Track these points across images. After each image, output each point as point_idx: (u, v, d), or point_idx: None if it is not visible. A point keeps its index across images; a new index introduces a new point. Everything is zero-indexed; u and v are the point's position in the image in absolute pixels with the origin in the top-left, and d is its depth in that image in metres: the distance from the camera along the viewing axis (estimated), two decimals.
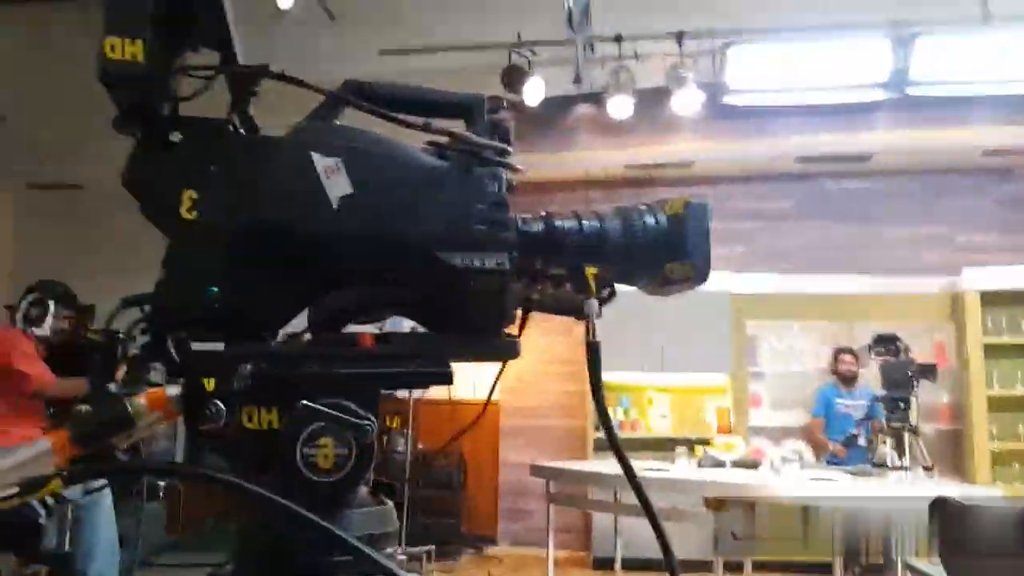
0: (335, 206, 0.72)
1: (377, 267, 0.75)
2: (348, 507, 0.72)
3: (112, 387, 0.71)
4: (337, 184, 0.72)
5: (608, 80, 5.68)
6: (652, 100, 5.80)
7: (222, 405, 0.69)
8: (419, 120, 0.75)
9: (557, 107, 6.13)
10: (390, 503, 0.77)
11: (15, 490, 0.60)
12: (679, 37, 5.45)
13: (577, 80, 5.67)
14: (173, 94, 0.74)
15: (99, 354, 4.10)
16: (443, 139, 0.76)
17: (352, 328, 0.81)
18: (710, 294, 0.82)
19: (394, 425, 6.22)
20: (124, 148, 0.75)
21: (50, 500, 0.67)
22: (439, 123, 0.77)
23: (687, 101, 5.70)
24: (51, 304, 4.02)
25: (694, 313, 5.87)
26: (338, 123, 0.77)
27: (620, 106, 5.75)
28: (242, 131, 0.78)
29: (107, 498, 3.94)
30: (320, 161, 0.72)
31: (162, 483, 5.02)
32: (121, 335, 0.76)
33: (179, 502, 6.22)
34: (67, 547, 3.71)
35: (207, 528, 6.01)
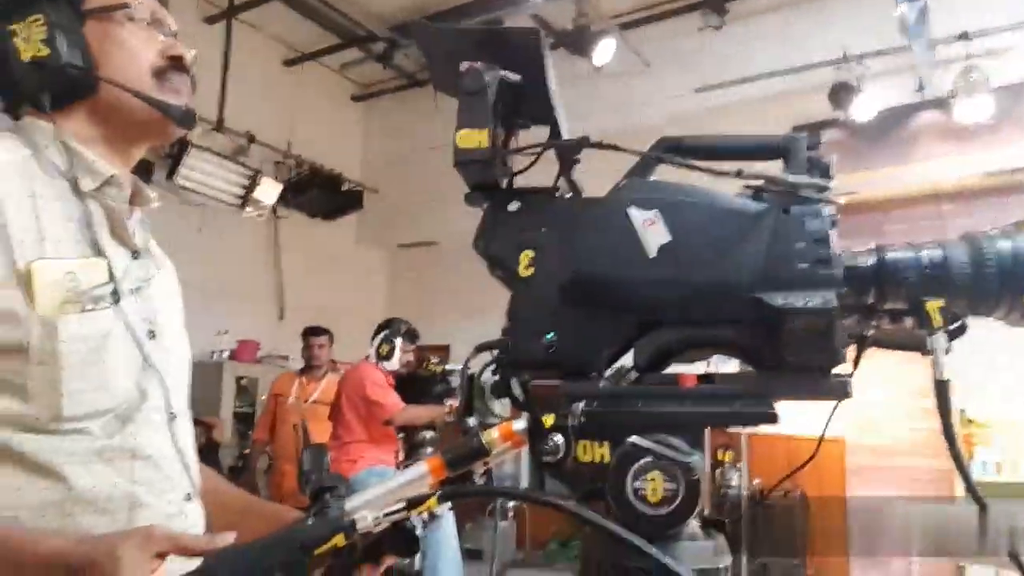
0: (653, 255, 0.77)
1: (696, 309, 0.78)
2: (678, 539, 0.75)
3: (471, 421, 0.82)
4: (655, 235, 0.77)
5: (956, 82, 5.10)
6: (1012, 96, 5.07)
7: (560, 439, 0.77)
8: (732, 168, 0.77)
9: (893, 119, 5.62)
10: (721, 538, 0.79)
11: (403, 504, 0.73)
12: None
13: (920, 88, 5.18)
14: (510, 170, 0.86)
15: (440, 387, 4.55)
16: (758, 183, 0.77)
17: (677, 368, 0.85)
18: None
19: (726, 459, 6.11)
20: (468, 210, 0.88)
21: (426, 516, 0.79)
22: (756, 167, 0.79)
23: None
24: (398, 340, 4.50)
25: None
26: (655, 179, 0.82)
27: (974, 108, 5.12)
28: (568, 194, 0.87)
29: (448, 519, 4.24)
30: (638, 215, 0.78)
31: (510, 505, 5.40)
32: (474, 375, 0.88)
33: (525, 523, 6.70)
34: (416, 566, 4.11)
35: (552, 548, 6.42)
